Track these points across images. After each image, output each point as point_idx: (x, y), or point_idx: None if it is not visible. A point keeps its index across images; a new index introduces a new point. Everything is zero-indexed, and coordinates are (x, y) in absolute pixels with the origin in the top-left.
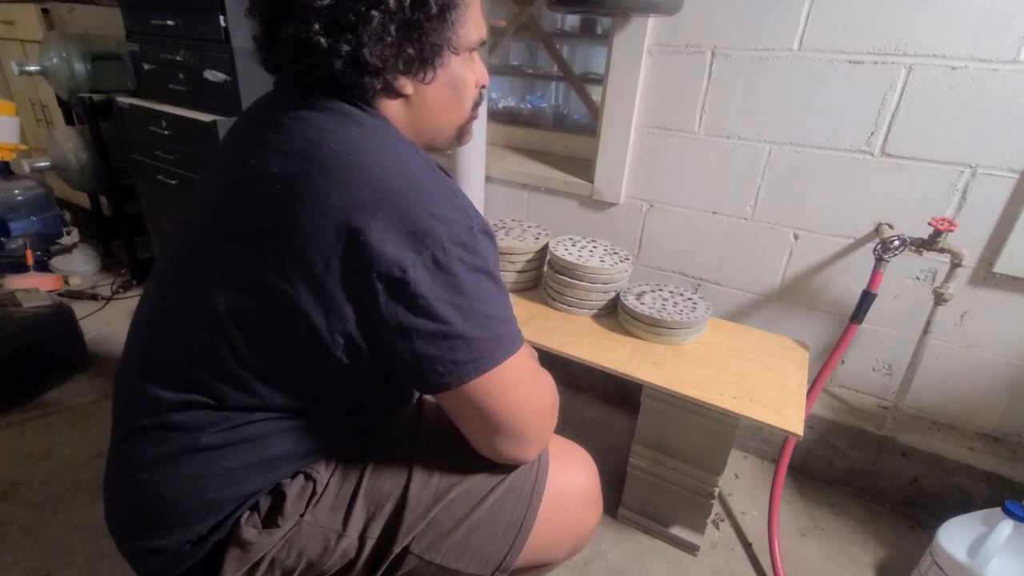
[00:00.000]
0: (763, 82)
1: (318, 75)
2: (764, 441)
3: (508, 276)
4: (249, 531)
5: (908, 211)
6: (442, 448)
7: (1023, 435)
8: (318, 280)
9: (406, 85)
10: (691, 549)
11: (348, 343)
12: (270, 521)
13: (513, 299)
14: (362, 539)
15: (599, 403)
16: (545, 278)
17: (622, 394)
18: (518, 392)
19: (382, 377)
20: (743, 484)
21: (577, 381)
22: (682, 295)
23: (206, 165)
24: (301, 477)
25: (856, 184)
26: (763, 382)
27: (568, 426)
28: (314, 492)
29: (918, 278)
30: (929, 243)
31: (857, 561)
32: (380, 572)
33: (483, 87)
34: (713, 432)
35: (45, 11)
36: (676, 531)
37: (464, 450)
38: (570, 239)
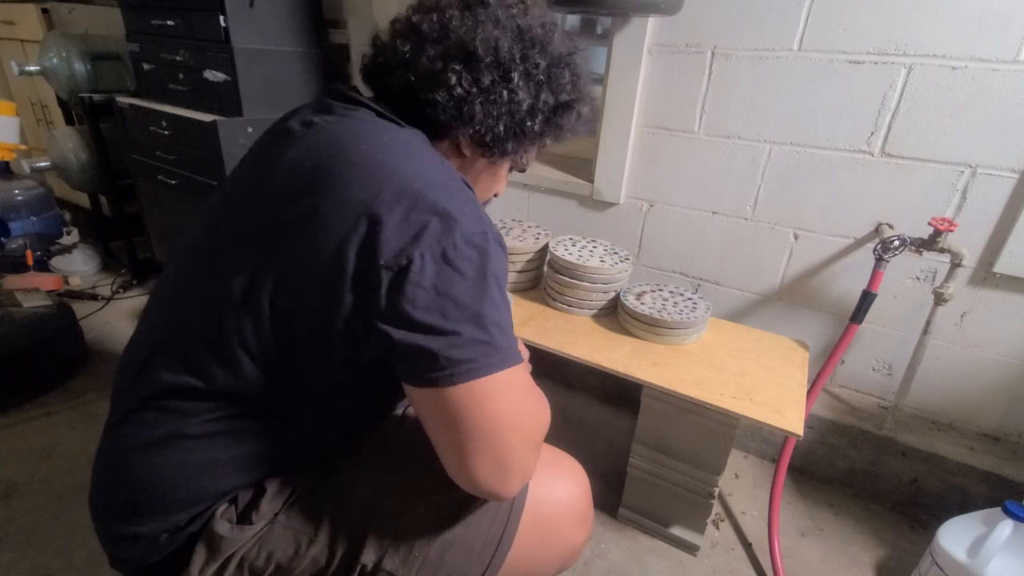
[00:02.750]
0: (763, 82)
1: (422, 94)
2: (764, 441)
3: (508, 276)
4: (222, 525)
5: (908, 211)
6: (415, 460)
7: (1023, 435)
8: (326, 266)
9: (468, 148)
10: (691, 549)
11: (347, 331)
12: (244, 517)
13: (513, 299)
14: (332, 547)
15: (599, 403)
16: (545, 278)
17: (622, 394)
18: (506, 409)
19: (372, 378)
20: (743, 484)
21: (577, 381)
22: (682, 295)
23: (241, 160)
24: (283, 477)
25: (856, 184)
26: (763, 382)
27: (568, 426)
28: (292, 493)
29: (918, 278)
30: (929, 243)
31: (857, 561)
32: None
33: (496, 195)
34: (713, 432)
35: (45, 11)
36: (676, 531)
37: (436, 464)
38: (570, 239)
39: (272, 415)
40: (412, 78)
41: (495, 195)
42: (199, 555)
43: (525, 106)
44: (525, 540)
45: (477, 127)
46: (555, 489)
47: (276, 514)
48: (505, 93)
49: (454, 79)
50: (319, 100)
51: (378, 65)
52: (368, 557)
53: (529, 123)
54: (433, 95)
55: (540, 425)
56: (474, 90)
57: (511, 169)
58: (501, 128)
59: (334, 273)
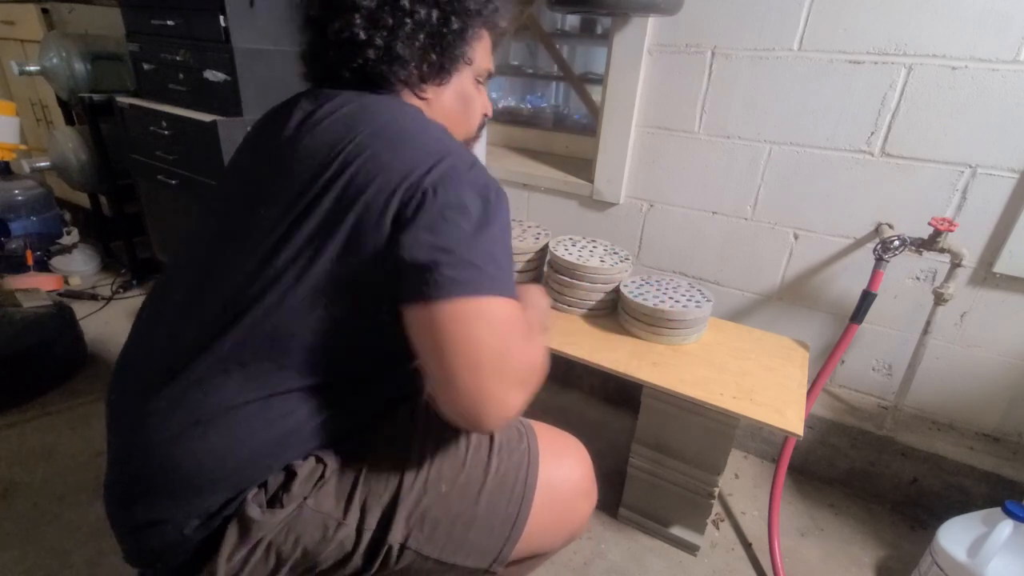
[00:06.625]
0: (763, 82)
1: (353, 61)
2: (764, 441)
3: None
4: (253, 508)
5: (908, 211)
6: (435, 439)
7: (1023, 435)
8: (373, 222)
9: (426, 90)
10: (691, 549)
11: (375, 263)
12: (275, 501)
13: None
14: (360, 530)
15: (599, 403)
16: (545, 278)
17: (622, 394)
18: (489, 338)
19: (397, 349)
20: (743, 484)
21: (577, 381)
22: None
23: (237, 153)
24: (312, 459)
25: (856, 184)
26: (763, 382)
27: (568, 426)
28: (322, 476)
29: (918, 278)
30: (929, 243)
31: (857, 561)
32: (376, 565)
33: (485, 115)
34: (713, 432)
35: (45, 11)
36: (676, 531)
37: (454, 441)
38: (570, 239)
39: (310, 391)
40: (337, 55)
41: (485, 116)
42: (230, 538)
43: (432, 16)
44: (539, 516)
45: (413, 62)
46: (562, 469)
47: (305, 497)
48: (407, 20)
49: (363, 35)
50: (311, 93)
51: (314, 63)
52: (395, 537)
53: (445, 29)
54: (361, 59)
55: (525, 366)
56: (384, 34)
57: (482, 81)
58: (432, 54)
59: (380, 216)
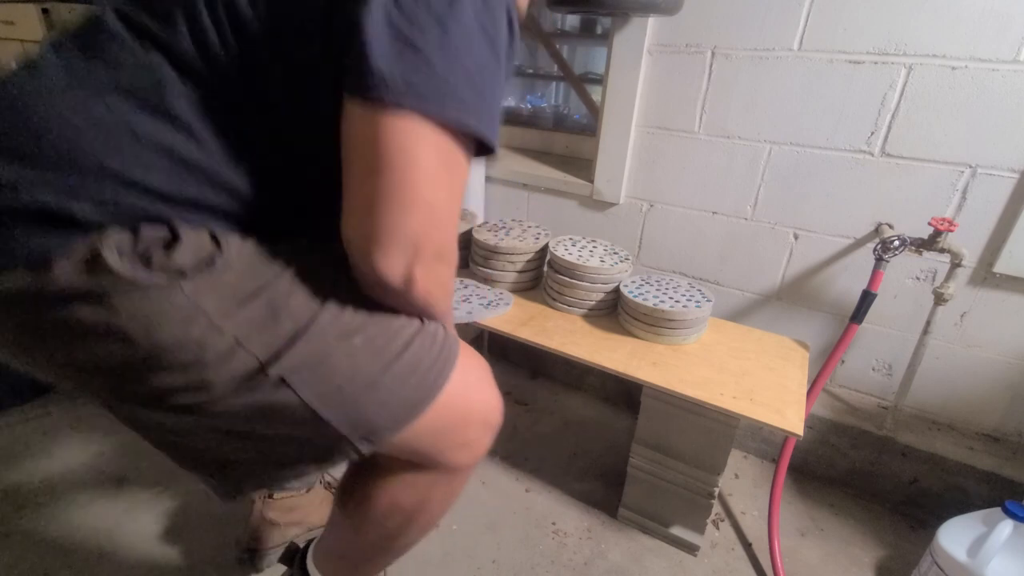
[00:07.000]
0: (763, 82)
1: None
2: (764, 441)
3: (508, 276)
4: (110, 251)
5: (908, 211)
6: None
7: (1023, 435)
8: None
9: None
10: (691, 549)
11: (330, 24)
12: (143, 257)
13: (513, 299)
14: (234, 347)
15: (599, 403)
16: (545, 278)
17: (622, 394)
18: (439, 174)
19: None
20: (743, 484)
21: (577, 381)
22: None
23: None
24: (207, 234)
25: (856, 184)
26: (763, 382)
27: (569, 426)
28: (212, 262)
29: (918, 278)
30: (929, 243)
31: (857, 561)
32: (230, 393)
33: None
34: (713, 432)
35: (45, 11)
36: (676, 531)
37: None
38: (570, 239)
39: (243, 140)
40: None
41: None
42: (70, 260)
43: None
44: (436, 416)
45: None
46: (476, 385)
47: (184, 275)
48: None
49: None
50: None
51: None
52: (280, 368)
53: None
54: None
55: (450, 239)
56: None
57: None
58: None
59: None
